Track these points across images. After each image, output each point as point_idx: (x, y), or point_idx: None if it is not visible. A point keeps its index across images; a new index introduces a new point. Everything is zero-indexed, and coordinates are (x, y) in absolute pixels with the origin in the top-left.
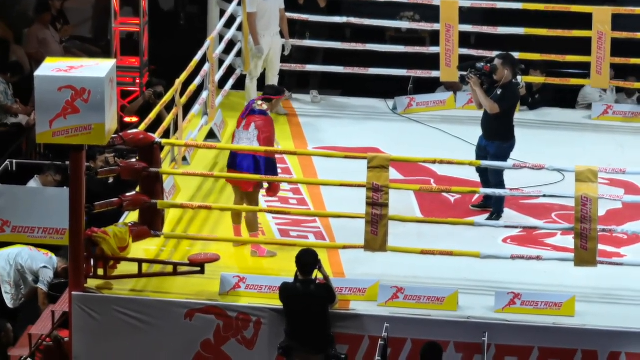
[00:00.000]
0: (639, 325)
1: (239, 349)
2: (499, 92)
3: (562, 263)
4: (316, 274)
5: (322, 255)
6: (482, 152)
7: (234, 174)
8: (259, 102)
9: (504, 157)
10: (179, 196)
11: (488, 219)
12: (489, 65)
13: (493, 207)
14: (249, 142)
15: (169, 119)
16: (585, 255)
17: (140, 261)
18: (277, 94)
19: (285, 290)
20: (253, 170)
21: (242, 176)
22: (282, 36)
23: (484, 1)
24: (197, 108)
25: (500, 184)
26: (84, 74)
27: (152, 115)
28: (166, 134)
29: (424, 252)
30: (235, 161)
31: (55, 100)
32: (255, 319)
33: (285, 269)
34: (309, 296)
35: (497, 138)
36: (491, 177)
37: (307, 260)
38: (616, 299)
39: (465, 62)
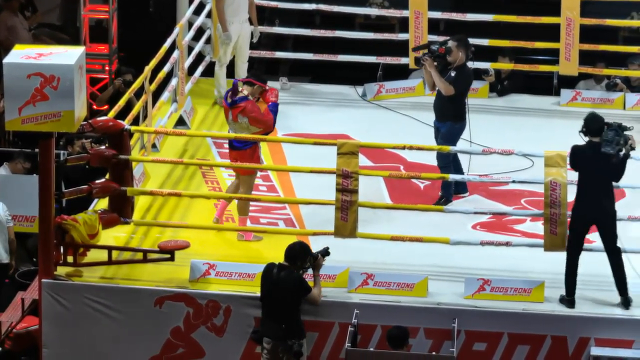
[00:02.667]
0: (608, 311)
1: (209, 336)
2: (452, 74)
3: (531, 249)
4: (308, 267)
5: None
6: (438, 134)
7: (203, 161)
8: (241, 86)
9: (454, 137)
10: (148, 183)
11: (436, 204)
12: (443, 47)
13: (441, 192)
14: (247, 131)
15: (138, 106)
16: (554, 240)
17: (110, 248)
18: (262, 82)
19: (265, 271)
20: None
21: (217, 163)
22: (251, 23)
23: None
24: (166, 95)
25: (447, 167)
26: (53, 61)
27: (122, 102)
28: (135, 121)
29: (393, 239)
30: (233, 143)
31: (24, 87)
32: (225, 306)
33: (256, 256)
34: (277, 282)
35: (449, 119)
36: (438, 160)
37: (292, 251)
38: (585, 285)
39: (419, 45)
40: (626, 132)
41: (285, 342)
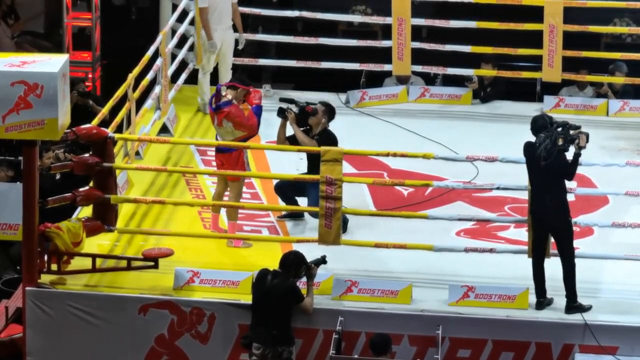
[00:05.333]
0: (592, 318)
1: (193, 343)
2: (316, 137)
3: (515, 255)
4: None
5: (276, 250)
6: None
7: (187, 168)
8: (224, 91)
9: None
10: (132, 191)
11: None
12: (311, 106)
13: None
14: (231, 135)
15: (121, 114)
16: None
17: (94, 256)
18: (245, 85)
19: (257, 277)
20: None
21: (200, 171)
22: (236, 30)
23: None
24: (149, 103)
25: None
26: (36, 69)
27: (105, 110)
28: (119, 129)
29: (377, 245)
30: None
31: (8, 95)
32: (209, 314)
33: (240, 263)
34: (269, 288)
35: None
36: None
37: (286, 260)
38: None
39: (286, 98)
40: (574, 132)
41: (275, 348)
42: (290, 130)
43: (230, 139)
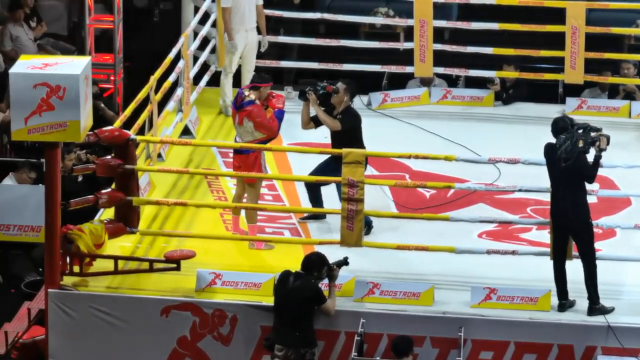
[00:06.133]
0: (615, 320)
1: (215, 345)
2: (338, 117)
3: (537, 257)
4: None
5: (297, 252)
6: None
7: (209, 170)
8: (247, 92)
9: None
10: (154, 193)
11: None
12: (332, 86)
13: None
14: (251, 136)
15: (143, 116)
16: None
17: (116, 258)
18: (265, 82)
19: (279, 279)
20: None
21: (222, 173)
22: (260, 32)
23: None
24: (171, 105)
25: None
26: (59, 71)
27: (127, 112)
28: (141, 131)
29: (399, 248)
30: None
31: (31, 97)
32: (231, 315)
33: (262, 265)
34: (292, 290)
35: None
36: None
37: (308, 261)
38: None
39: (307, 80)
40: (595, 134)
41: (298, 350)
42: (313, 112)
43: (249, 140)
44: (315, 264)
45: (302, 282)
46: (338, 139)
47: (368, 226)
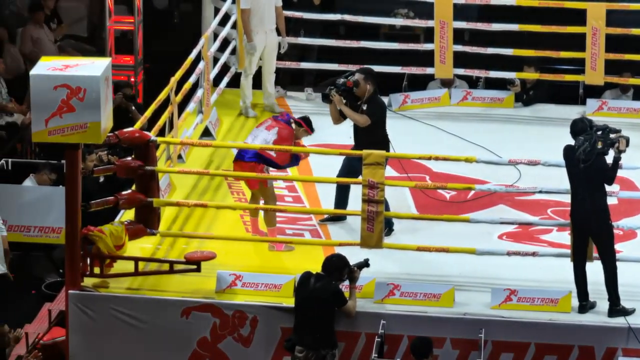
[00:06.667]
0: (636, 321)
1: (236, 346)
2: (365, 108)
3: (558, 259)
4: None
5: (318, 253)
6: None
7: (229, 172)
8: (292, 119)
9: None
10: (174, 194)
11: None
12: (351, 80)
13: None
14: (264, 141)
15: (164, 117)
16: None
17: (136, 259)
18: (309, 128)
19: (300, 281)
20: (255, 159)
21: (236, 174)
22: (279, 34)
23: None
24: (192, 106)
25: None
26: (79, 72)
27: (148, 113)
28: (161, 132)
29: (419, 249)
30: (241, 153)
31: (51, 99)
32: (252, 317)
33: (282, 266)
34: (312, 291)
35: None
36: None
37: (329, 263)
38: None
39: (326, 80)
40: (614, 135)
41: (319, 351)
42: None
43: (259, 143)
44: (336, 266)
45: (323, 283)
46: (361, 128)
47: (389, 227)
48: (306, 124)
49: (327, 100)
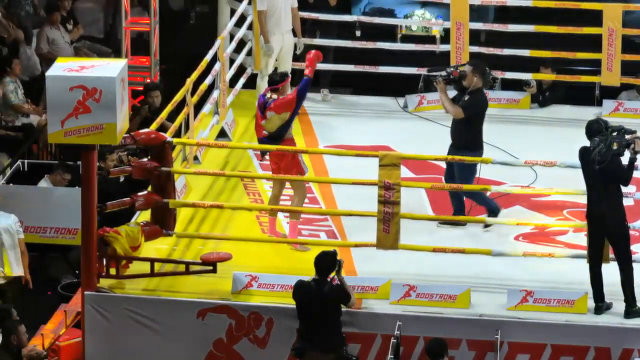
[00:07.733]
0: None
1: (251, 348)
2: (465, 98)
3: (574, 260)
4: (333, 275)
5: None
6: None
7: (243, 173)
8: (269, 94)
9: (470, 166)
10: (190, 195)
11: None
12: (457, 71)
13: (486, 207)
14: (280, 121)
15: (179, 119)
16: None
17: (152, 260)
18: (282, 80)
19: (299, 288)
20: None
21: (259, 175)
22: (295, 35)
23: None
24: (208, 107)
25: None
26: (95, 73)
27: (164, 115)
28: (177, 134)
29: (435, 250)
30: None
31: (67, 100)
32: (267, 318)
33: (298, 267)
34: (321, 296)
35: (464, 147)
36: (459, 178)
37: (325, 262)
38: None
39: (434, 67)
40: (629, 136)
41: (340, 352)
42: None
43: (278, 125)
44: (327, 265)
45: (329, 286)
46: (456, 120)
47: (494, 212)
48: (279, 81)
49: (431, 87)
